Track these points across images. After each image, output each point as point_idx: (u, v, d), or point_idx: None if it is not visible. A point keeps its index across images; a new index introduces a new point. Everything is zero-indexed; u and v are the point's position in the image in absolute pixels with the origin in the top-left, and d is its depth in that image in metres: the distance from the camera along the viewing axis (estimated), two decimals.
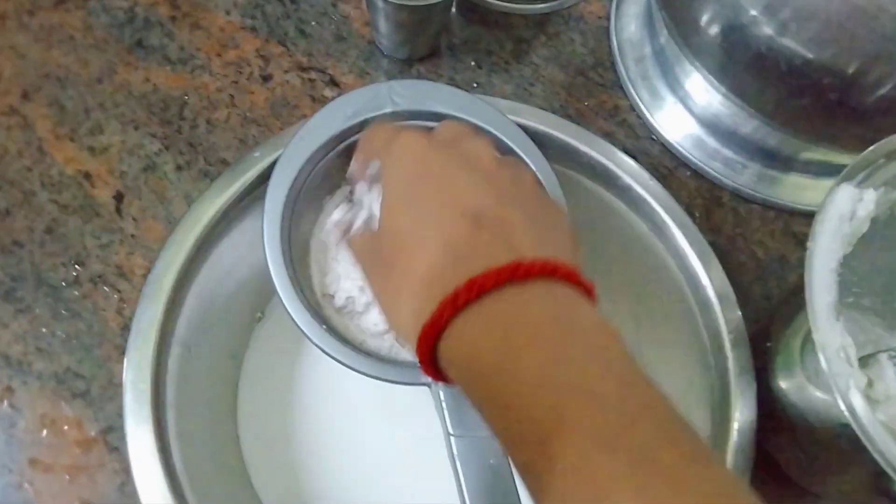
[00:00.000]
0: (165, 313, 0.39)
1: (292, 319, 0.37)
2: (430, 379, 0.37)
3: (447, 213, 0.31)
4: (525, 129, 0.43)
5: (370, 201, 0.38)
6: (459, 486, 0.35)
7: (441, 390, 0.36)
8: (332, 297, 0.41)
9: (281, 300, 0.37)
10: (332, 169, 0.42)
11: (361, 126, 0.41)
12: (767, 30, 0.43)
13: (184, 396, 0.39)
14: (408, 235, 0.32)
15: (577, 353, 0.28)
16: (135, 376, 0.38)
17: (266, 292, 0.38)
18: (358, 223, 0.38)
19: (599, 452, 0.25)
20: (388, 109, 0.42)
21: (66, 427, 0.44)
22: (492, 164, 0.34)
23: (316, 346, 0.36)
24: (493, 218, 0.31)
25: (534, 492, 0.27)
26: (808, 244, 0.33)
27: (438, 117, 0.42)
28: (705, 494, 0.24)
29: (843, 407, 0.31)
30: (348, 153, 0.42)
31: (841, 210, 0.34)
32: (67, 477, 0.43)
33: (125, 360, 0.38)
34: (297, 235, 0.40)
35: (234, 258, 0.43)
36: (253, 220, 0.39)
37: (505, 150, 0.42)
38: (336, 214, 0.41)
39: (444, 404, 0.36)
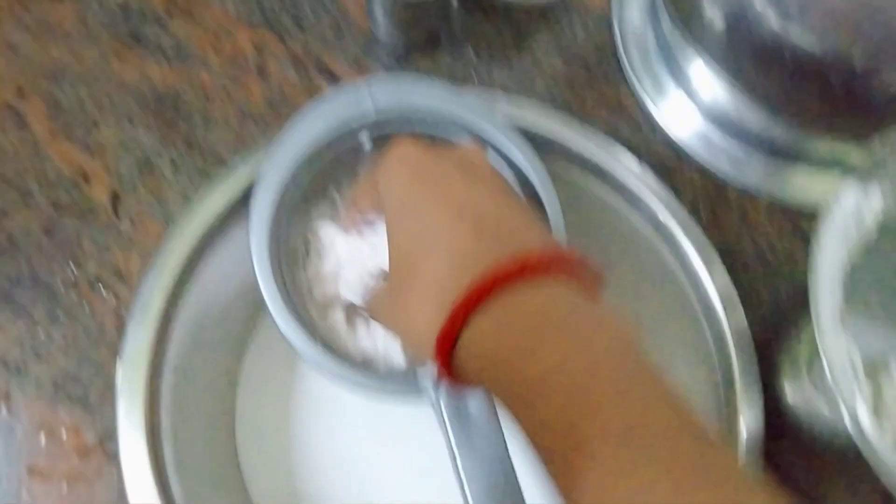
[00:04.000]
0: (156, 338, 0.38)
1: (286, 340, 0.36)
2: (431, 393, 0.36)
3: (447, 224, 0.31)
4: (517, 122, 0.42)
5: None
6: (465, 499, 0.34)
7: (443, 407, 0.36)
8: (335, 304, 0.40)
9: (274, 321, 0.36)
10: (317, 175, 0.41)
11: (343, 129, 0.40)
12: (772, 20, 0.42)
13: (180, 422, 0.39)
14: (413, 252, 0.32)
15: (597, 342, 0.28)
16: (127, 408, 0.37)
17: (259, 305, 0.37)
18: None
19: (622, 446, 0.25)
20: (368, 107, 0.40)
21: (64, 433, 0.43)
22: (486, 166, 0.35)
23: (313, 367, 0.36)
24: (495, 221, 0.31)
25: (564, 489, 0.27)
26: (812, 248, 0.32)
27: (423, 113, 0.41)
28: (728, 477, 0.25)
29: (848, 422, 0.30)
30: (332, 158, 0.41)
31: (846, 210, 0.33)
32: (65, 485, 0.42)
33: (117, 389, 0.38)
34: (286, 246, 0.39)
35: (223, 275, 0.42)
36: (239, 234, 0.38)
37: (496, 148, 0.41)
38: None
39: (447, 421, 0.35)
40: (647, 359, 0.29)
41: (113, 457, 0.42)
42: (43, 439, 0.43)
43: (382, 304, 0.35)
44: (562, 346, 0.28)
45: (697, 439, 0.26)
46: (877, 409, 0.40)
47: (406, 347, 0.36)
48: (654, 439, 0.25)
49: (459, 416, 0.35)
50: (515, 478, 0.34)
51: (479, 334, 0.29)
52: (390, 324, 0.34)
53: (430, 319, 0.30)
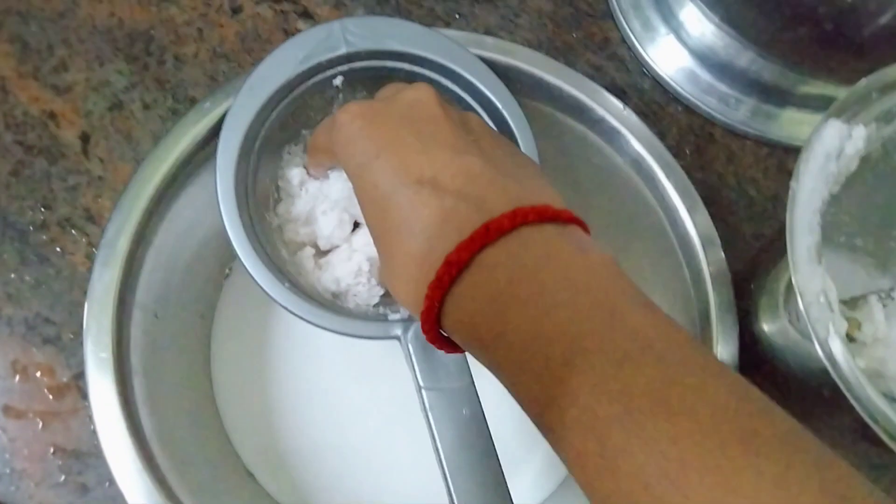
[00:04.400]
0: (122, 279, 0.37)
1: (252, 278, 0.35)
2: (398, 332, 0.36)
3: (403, 189, 0.30)
4: (494, 63, 0.41)
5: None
6: (433, 439, 0.34)
7: (411, 343, 0.35)
8: (304, 245, 0.39)
9: (239, 258, 0.35)
10: (288, 117, 0.40)
11: (314, 70, 0.39)
12: None
13: (152, 361, 0.38)
14: (378, 224, 0.31)
15: (567, 295, 0.27)
16: (95, 345, 0.36)
17: (230, 247, 0.36)
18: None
19: (604, 401, 0.24)
20: (342, 51, 0.39)
21: (38, 373, 0.43)
22: (436, 108, 0.32)
23: (280, 305, 0.35)
24: (452, 176, 0.29)
25: (554, 447, 0.26)
26: (791, 183, 0.31)
27: (396, 56, 0.40)
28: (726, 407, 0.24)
29: (820, 353, 0.29)
30: (303, 100, 0.40)
31: (828, 148, 0.32)
32: (40, 423, 0.42)
33: (83, 328, 0.37)
34: (256, 188, 0.38)
35: (194, 215, 0.41)
36: (209, 174, 0.36)
37: (470, 88, 0.40)
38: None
39: (413, 358, 0.35)
40: (629, 293, 0.28)
41: (86, 395, 0.42)
42: (17, 379, 0.43)
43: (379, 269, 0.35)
44: (532, 311, 0.27)
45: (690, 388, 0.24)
46: (855, 342, 0.40)
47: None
48: (632, 398, 0.24)
49: (426, 353, 0.35)
50: (481, 411, 0.34)
51: (457, 313, 0.28)
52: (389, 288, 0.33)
53: (411, 293, 0.30)
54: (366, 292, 0.38)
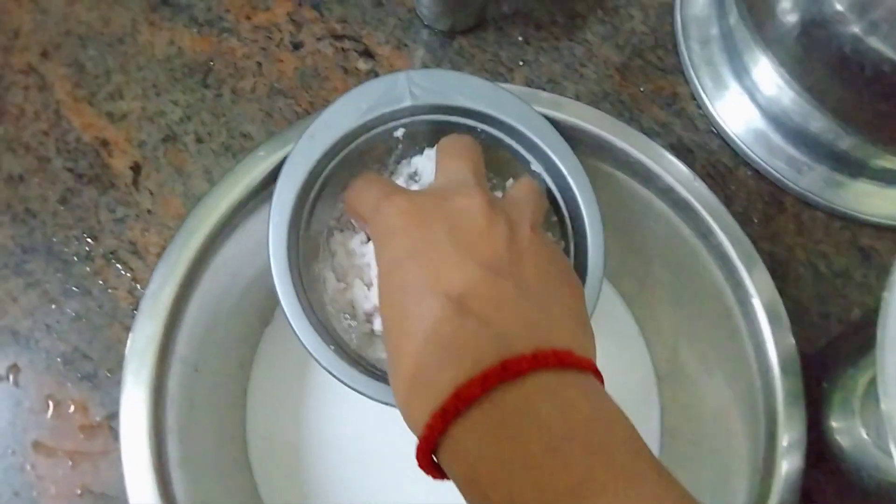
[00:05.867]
0: (165, 332, 0.36)
1: (299, 341, 0.34)
2: None
3: (429, 299, 0.28)
4: (558, 122, 0.39)
5: None
6: None
7: None
8: (355, 312, 0.38)
9: (287, 320, 0.34)
10: (347, 167, 0.39)
11: (377, 122, 0.38)
12: (854, 28, 0.38)
13: (188, 419, 0.37)
14: (395, 324, 0.30)
15: (579, 452, 0.25)
16: (131, 402, 0.35)
17: (273, 296, 0.35)
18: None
19: None
20: (406, 103, 0.38)
21: (71, 409, 0.42)
22: (484, 220, 0.31)
23: (325, 369, 0.34)
24: (480, 298, 0.28)
25: None
26: (884, 294, 0.29)
27: (461, 111, 0.38)
28: None
29: None
30: (363, 149, 0.39)
31: None
32: (70, 462, 0.41)
33: (122, 382, 0.36)
34: (307, 238, 0.37)
35: (239, 263, 0.40)
36: (259, 220, 0.35)
37: (535, 150, 0.38)
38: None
39: None
40: (642, 456, 0.26)
41: (119, 437, 0.41)
42: (50, 414, 0.42)
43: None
44: (540, 465, 0.25)
45: None
46: None
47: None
48: None
49: None
50: None
51: (457, 451, 0.27)
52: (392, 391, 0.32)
53: (409, 406, 0.28)
54: None
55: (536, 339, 0.27)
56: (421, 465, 0.28)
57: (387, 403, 0.35)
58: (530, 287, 0.29)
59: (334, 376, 0.34)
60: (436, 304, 0.28)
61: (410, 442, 0.44)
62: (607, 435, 0.26)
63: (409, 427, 0.29)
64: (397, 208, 0.31)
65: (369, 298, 0.37)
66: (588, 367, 0.28)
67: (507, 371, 0.26)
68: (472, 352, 0.27)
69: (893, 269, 0.30)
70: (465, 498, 0.27)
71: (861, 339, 0.31)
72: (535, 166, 0.39)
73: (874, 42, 0.37)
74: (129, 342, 0.36)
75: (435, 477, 0.29)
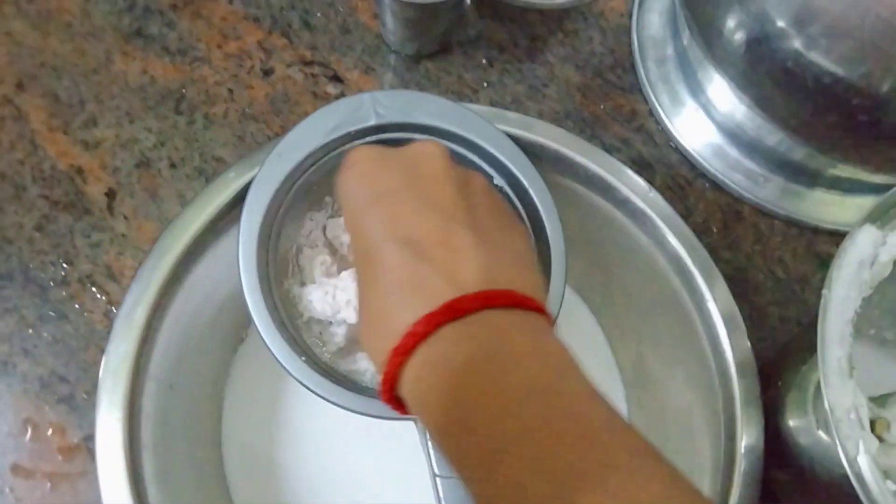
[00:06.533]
0: (138, 352, 0.36)
1: (272, 354, 0.35)
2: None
3: (390, 246, 0.31)
4: (521, 139, 0.41)
5: None
6: None
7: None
8: (325, 314, 0.39)
9: (259, 333, 0.35)
10: (314, 185, 0.40)
11: (343, 140, 0.39)
12: (795, 43, 0.40)
13: (162, 434, 0.38)
14: (361, 272, 0.32)
15: (516, 391, 0.27)
16: (106, 421, 0.36)
17: (248, 314, 0.36)
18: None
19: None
20: (371, 122, 0.39)
21: (49, 432, 0.43)
22: (440, 165, 0.33)
23: (299, 382, 0.35)
24: (437, 244, 0.30)
25: None
26: (823, 291, 0.31)
27: (425, 130, 0.40)
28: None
29: (849, 472, 0.28)
30: (330, 168, 0.40)
31: (861, 254, 0.31)
32: (49, 484, 0.42)
33: (97, 401, 0.37)
34: (276, 256, 0.38)
35: (212, 282, 0.41)
36: (231, 240, 0.36)
37: (496, 164, 0.40)
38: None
39: (429, 443, 0.34)
40: (585, 392, 0.28)
41: (95, 458, 0.42)
42: (28, 437, 0.43)
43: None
44: (483, 402, 0.27)
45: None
46: (884, 444, 0.39)
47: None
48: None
49: None
50: None
51: (413, 385, 0.29)
52: (361, 338, 0.34)
53: (375, 349, 0.31)
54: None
55: (488, 282, 0.29)
56: (385, 401, 0.31)
57: (359, 413, 0.36)
58: (483, 232, 0.31)
59: (306, 387, 0.35)
60: (395, 248, 0.30)
61: (385, 452, 0.45)
62: (544, 367, 0.28)
63: (376, 369, 0.31)
64: (359, 155, 0.34)
65: (339, 312, 0.38)
66: (534, 307, 0.30)
67: (454, 310, 0.28)
68: (426, 293, 0.29)
69: (831, 269, 0.31)
70: (425, 426, 0.30)
71: (812, 338, 0.32)
72: (498, 180, 0.41)
73: (814, 56, 0.39)
74: (103, 362, 0.37)
75: (399, 411, 0.31)
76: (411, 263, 0.30)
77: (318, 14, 0.53)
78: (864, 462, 0.28)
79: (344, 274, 0.40)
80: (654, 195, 0.43)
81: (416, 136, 0.41)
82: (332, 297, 0.38)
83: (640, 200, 0.43)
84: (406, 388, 0.29)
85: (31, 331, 0.44)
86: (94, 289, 0.45)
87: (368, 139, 0.40)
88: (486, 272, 0.30)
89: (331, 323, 0.38)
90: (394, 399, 0.30)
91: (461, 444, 0.28)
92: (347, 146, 0.40)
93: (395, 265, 0.30)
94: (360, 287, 0.32)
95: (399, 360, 0.29)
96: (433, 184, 0.32)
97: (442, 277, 0.29)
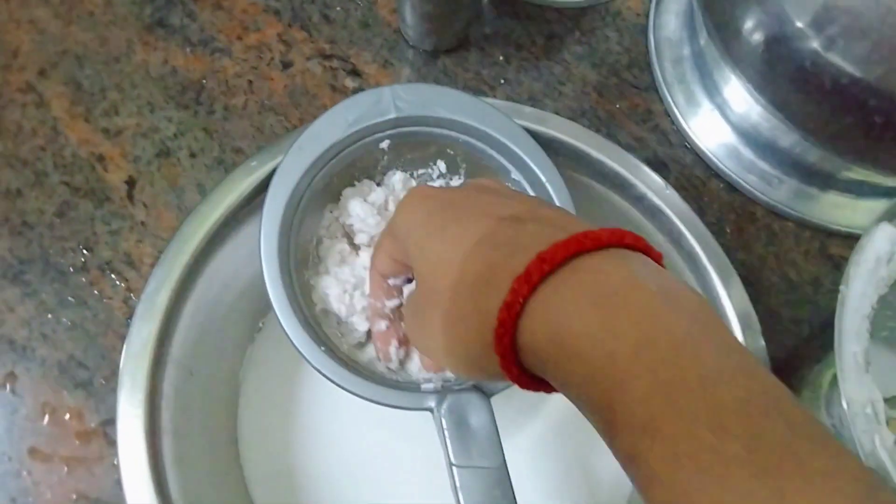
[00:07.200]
0: (160, 334, 0.37)
1: (291, 342, 0.35)
2: (432, 404, 0.36)
3: (484, 220, 0.28)
4: (539, 135, 0.41)
5: None
6: None
7: (444, 418, 0.35)
8: (340, 314, 0.39)
9: (279, 322, 0.36)
10: (334, 177, 0.40)
11: (363, 133, 0.40)
12: (813, 44, 0.40)
13: (182, 420, 0.38)
14: (443, 252, 0.29)
15: (675, 319, 0.24)
16: (128, 402, 0.36)
17: (267, 302, 0.36)
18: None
19: (711, 433, 0.22)
20: (391, 115, 0.40)
21: (67, 416, 0.43)
22: (499, 184, 0.34)
23: (317, 370, 0.35)
24: (535, 214, 0.29)
25: (641, 480, 0.24)
26: (841, 288, 0.31)
27: (444, 123, 0.40)
28: (830, 475, 0.21)
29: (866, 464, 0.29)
30: (350, 160, 0.40)
31: (879, 251, 0.31)
32: (66, 468, 0.42)
33: (118, 383, 0.37)
34: (296, 246, 0.39)
35: (233, 268, 0.41)
36: (251, 229, 0.37)
37: (514, 159, 0.41)
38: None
39: (446, 433, 0.34)
40: (729, 337, 0.25)
41: (113, 443, 0.42)
42: (46, 421, 0.43)
43: (408, 321, 0.33)
44: (637, 326, 0.24)
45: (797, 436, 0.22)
46: None
47: (438, 356, 0.32)
48: (742, 436, 0.22)
49: (459, 428, 0.35)
50: (512, 493, 0.33)
51: (544, 315, 0.26)
52: (418, 332, 0.32)
53: (469, 321, 0.28)
54: (400, 362, 0.38)
55: (601, 231, 0.26)
56: (502, 347, 0.27)
57: (377, 402, 0.36)
58: (566, 212, 0.30)
59: (324, 375, 0.35)
60: (490, 221, 0.28)
61: (402, 442, 0.45)
62: (679, 306, 0.25)
63: (466, 338, 0.28)
64: (424, 194, 0.32)
65: (353, 315, 0.38)
66: (656, 257, 0.27)
67: (589, 239, 0.26)
68: (540, 239, 0.26)
69: (849, 266, 0.32)
70: (548, 372, 0.26)
71: (825, 337, 0.33)
72: (516, 174, 0.41)
73: (832, 57, 0.39)
74: (125, 345, 0.37)
75: (512, 371, 0.27)
76: (512, 225, 0.27)
77: (338, 8, 0.53)
78: (881, 456, 0.28)
79: (358, 262, 0.40)
80: (671, 192, 0.43)
81: (435, 129, 0.41)
82: (350, 297, 0.39)
83: (656, 197, 0.43)
84: (533, 319, 0.26)
85: (50, 315, 0.45)
86: (113, 275, 0.45)
87: (388, 132, 0.41)
88: (589, 226, 0.27)
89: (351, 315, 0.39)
90: (510, 347, 0.27)
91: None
92: (367, 139, 0.41)
93: (489, 229, 0.28)
94: (425, 285, 0.30)
95: (527, 287, 0.25)
96: (499, 187, 0.33)
97: (550, 228, 0.27)
